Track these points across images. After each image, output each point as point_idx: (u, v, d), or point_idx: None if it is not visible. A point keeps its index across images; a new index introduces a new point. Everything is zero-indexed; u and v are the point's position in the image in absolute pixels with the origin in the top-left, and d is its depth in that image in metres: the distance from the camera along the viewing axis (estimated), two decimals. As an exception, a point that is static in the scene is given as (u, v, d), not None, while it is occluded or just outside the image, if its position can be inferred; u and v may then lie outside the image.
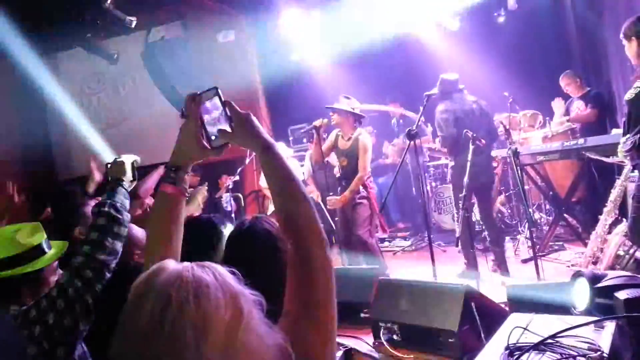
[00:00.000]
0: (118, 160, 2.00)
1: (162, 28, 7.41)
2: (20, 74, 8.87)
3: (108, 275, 1.73)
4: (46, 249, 1.75)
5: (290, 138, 8.03)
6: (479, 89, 6.48)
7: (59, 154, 9.18)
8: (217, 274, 0.81)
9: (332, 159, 6.42)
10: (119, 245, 1.79)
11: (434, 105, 4.66)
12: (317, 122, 4.77)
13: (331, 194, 5.04)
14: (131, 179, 2.00)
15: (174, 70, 6.41)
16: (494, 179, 5.19)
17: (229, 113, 1.19)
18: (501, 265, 4.65)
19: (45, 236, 1.78)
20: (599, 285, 1.95)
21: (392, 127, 7.44)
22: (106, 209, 1.81)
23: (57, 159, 9.20)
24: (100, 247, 1.73)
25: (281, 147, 5.06)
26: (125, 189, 1.93)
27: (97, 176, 3.20)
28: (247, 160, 7.03)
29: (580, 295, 2.04)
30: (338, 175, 5.16)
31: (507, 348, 1.77)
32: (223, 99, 1.20)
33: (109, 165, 2.02)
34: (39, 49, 8.68)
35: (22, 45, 7.61)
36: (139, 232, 2.27)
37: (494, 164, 5.35)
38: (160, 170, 3.09)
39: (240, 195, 7.60)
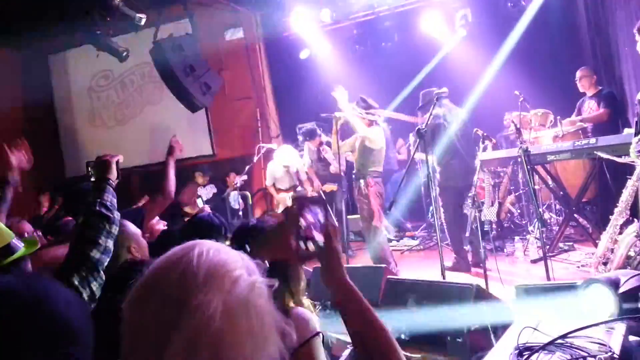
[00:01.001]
0: (102, 159, 1.99)
1: (171, 25, 7.42)
2: (29, 69, 8.98)
3: (102, 272, 1.73)
4: (18, 247, 1.75)
5: (299, 137, 8.02)
6: (489, 88, 6.46)
7: (67, 151, 9.24)
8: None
9: (329, 155, 6.46)
10: (111, 244, 1.78)
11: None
12: (337, 114, 4.96)
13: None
14: (116, 177, 1.99)
15: (182, 68, 6.40)
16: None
17: (325, 230, 1.16)
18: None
19: (13, 235, 1.78)
20: (623, 290, 1.90)
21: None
22: (97, 208, 1.80)
23: (66, 156, 9.26)
24: (94, 246, 1.73)
25: (287, 150, 5.09)
26: (113, 188, 1.93)
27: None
28: (255, 159, 7.04)
29: (600, 302, 1.97)
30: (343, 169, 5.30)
31: (516, 348, 1.74)
32: (325, 215, 1.17)
33: (90, 165, 2.02)
34: (49, 46, 8.76)
35: (31, 41, 7.67)
36: (132, 227, 2.27)
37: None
38: (172, 164, 3.13)
39: (247, 193, 7.61)
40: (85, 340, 0.83)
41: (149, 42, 6.57)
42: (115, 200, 1.89)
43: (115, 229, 1.81)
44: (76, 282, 1.63)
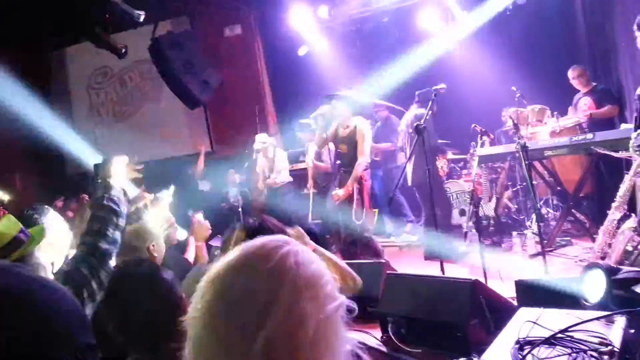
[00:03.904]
0: (107, 160, 2.09)
1: (169, 22, 7.42)
2: (27, 67, 8.94)
3: (111, 263, 1.81)
4: (24, 239, 1.78)
5: (297, 132, 8.03)
6: (487, 84, 6.48)
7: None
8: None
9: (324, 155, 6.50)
10: (118, 235, 1.87)
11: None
12: (318, 111, 5.05)
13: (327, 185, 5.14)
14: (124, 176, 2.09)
15: (180, 64, 6.40)
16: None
17: None
18: None
19: (20, 226, 1.81)
20: (617, 277, 1.94)
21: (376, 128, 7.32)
22: (105, 202, 1.90)
23: (66, 154, 9.25)
24: (103, 237, 1.81)
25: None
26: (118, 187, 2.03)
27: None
28: (254, 155, 7.05)
29: (595, 286, 2.03)
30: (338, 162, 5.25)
31: (517, 342, 1.77)
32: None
33: (97, 165, 2.10)
34: (47, 43, 8.74)
35: (29, 39, 7.65)
36: (154, 226, 2.32)
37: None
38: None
39: (247, 190, 7.62)
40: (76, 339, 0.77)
41: (147, 38, 6.57)
42: (121, 196, 1.99)
43: (122, 222, 1.91)
44: (86, 272, 1.70)
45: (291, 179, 6.87)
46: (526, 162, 3.84)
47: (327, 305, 0.77)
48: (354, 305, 0.83)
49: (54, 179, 8.29)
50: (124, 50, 6.54)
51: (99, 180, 2.03)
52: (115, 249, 1.85)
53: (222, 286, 0.78)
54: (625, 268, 2.02)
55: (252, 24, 8.09)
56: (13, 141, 8.34)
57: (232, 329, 0.74)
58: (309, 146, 6.99)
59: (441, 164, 5.89)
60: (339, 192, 4.88)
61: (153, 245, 2.23)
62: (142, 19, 5.90)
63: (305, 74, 7.82)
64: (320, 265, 0.82)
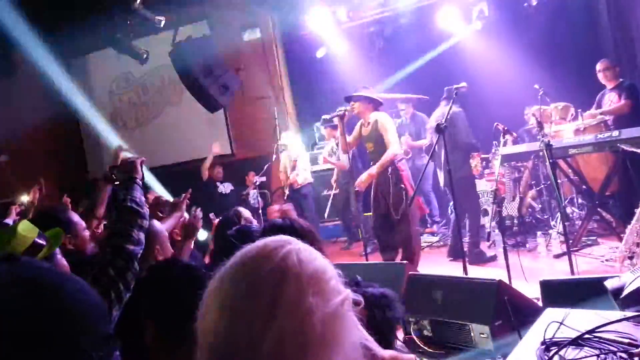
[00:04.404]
0: (129, 160, 2.14)
1: (189, 27, 7.51)
2: (51, 73, 9.14)
3: (136, 264, 1.82)
4: (43, 242, 1.81)
5: (316, 134, 8.05)
6: (508, 82, 6.40)
7: (90, 152, 9.40)
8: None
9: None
10: (142, 236, 1.89)
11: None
12: (340, 111, 4.94)
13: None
14: (142, 176, 2.12)
15: (200, 69, 6.48)
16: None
17: None
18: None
19: (37, 231, 1.84)
20: (624, 294, 1.88)
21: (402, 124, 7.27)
22: (128, 203, 1.92)
23: (88, 157, 9.43)
24: (128, 239, 1.83)
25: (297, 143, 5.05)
26: (140, 186, 2.05)
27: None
28: (274, 157, 7.09)
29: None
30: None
31: (543, 343, 1.73)
32: None
33: (115, 168, 2.16)
34: (70, 50, 8.92)
35: (52, 45, 7.81)
36: (158, 226, 2.35)
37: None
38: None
39: (267, 192, 7.66)
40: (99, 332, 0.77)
41: (168, 44, 6.67)
42: (143, 197, 2.02)
43: (145, 223, 1.93)
44: (112, 273, 1.71)
45: (312, 179, 6.89)
46: (550, 160, 3.78)
47: (332, 299, 0.78)
48: (361, 299, 0.84)
49: (76, 180, 8.45)
50: (145, 56, 6.66)
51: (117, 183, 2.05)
52: (140, 249, 1.86)
53: (226, 289, 0.79)
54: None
55: (270, 27, 8.13)
56: (37, 143, 8.56)
57: (240, 331, 0.75)
58: (328, 143, 7.02)
59: (475, 162, 5.77)
60: (362, 177, 4.82)
61: (158, 248, 2.26)
62: (162, 24, 5.99)
63: (324, 75, 7.83)
64: (323, 261, 0.83)
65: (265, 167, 6.95)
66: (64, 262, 1.91)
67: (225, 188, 7.63)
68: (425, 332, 2.78)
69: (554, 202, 5.87)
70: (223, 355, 0.76)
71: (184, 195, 3.02)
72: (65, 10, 6.39)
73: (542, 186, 6.02)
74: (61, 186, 7.62)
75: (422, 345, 2.70)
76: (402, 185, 4.69)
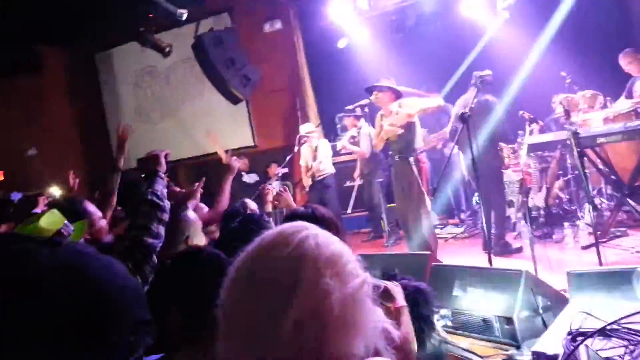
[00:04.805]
0: (152, 153, 2.13)
1: (211, 20, 7.54)
2: (77, 68, 9.33)
3: (154, 258, 1.82)
4: (66, 233, 1.83)
5: (338, 126, 8.02)
6: (536, 70, 6.25)
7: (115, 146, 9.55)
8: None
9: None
10: (162, 230, 1.89)
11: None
12: (364, 101, 5.04)
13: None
14: (165, 170, 2.12)
15: (222, 61, 6.52)
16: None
17: None
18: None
19: (64, 220, 1.86)
20: None
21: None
22: (149, 197, 1.93)
23: (114, 151, 9.58)
24: (147, 232, 1.83)
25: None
26: (163, 179, 2.05)
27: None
28: (296, 149, 7.09)
29: None
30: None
31: (569, 333, 1.71)
32: None
33: (141, 159, 2.14)
34: (94, 45, 9.08)
35: (78, 40, 7.95)
36: (192, 216, 2.36)
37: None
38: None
39: (289, 183, 7.68)
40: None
41: (189, 37, 6.71)
42: (165, 191, 2.02)
43: (166, 217, 1.92)
44: (130, 266, 1.72)
45: (334, 170, 6.88)
46: (578, 149, 3.69)
47: (350, 282, 0.79)
48: (379, 283, 0.85)
49: (102, 176, 8.60)
50: (168, 49, 6.73)
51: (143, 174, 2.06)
52: (160, 243, 1.86)
53: (246, 275, 0.81)
54: None
55: (291, 18, 8.10)
56: (64, 136, 8.75)
57: (260, 315, 0.76)
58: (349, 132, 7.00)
59: (507, 152, 5.65)
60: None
61: (188, 237, 2.27)
62: (184, 17, 6.03)
63: (346, 66, 7.78)
64: (340, 245, 0.84)
65: (288, 159, 6.95)
66: None
67: (251, 178, 7.69)
68: (449, 323, 2.75)
69: (582, 193, 5.74)
70: (244, 338, 0.77)
71: (197, 184, 3.04)
72: (90, 4, 6.49)
73: (570, 176, 5.89)
74: (89, 181, 7.80)
75: (445, 336, 2.68)
76: (421, 178, 4.67)
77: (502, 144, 5.51)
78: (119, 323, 0.73)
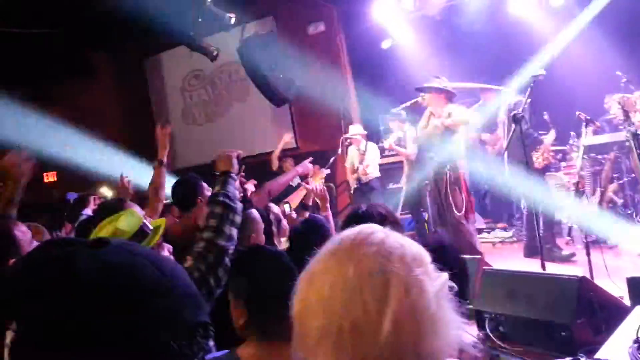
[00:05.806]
0: (224, 154, 2.10)
1: (256, 23, 7.66)
2: (126, 73, 9.66)
3: (227, 261, 1.79)
4: (148, 231, 1.86)
5: (382, 127, 7.97)
6: (588, 69, 6.03)
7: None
8: None
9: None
10: (235, 232, 1.85)
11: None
12: (411, 101, 4.95)
13: None
14: (237, 171, 2.09)
15: (266, 64, 6.61)
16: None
17: None
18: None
19: (142, 219, 1.89)
20: None
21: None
22: (221, 198, 1.89)
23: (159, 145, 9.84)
24: (220, 234, 1.80)
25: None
26: (235, 180, 2.02)
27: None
28: (339, 151, 7.09)
29: None
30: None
31: (635, 341, 1.64)
32: None
33: (214, 160, 2.14)
34: (144, 50, 9.38)
35: (128, 45, 8.22)
36: (255, 215, 2.38)
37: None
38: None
39: (332, 185, 7.68)
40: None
41: (235, 40, 6.82)
42: (237, 192, 1.97)
43: (238, 219, 1.88)
44: (203, 268, 1.70)
45: (379, 174, 6.84)
46: (637, 151, 3.53)
47: (436, 280, 0.78)
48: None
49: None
50: (215, 53, 6.86)
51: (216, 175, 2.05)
52: (232, 245, 1.82)
53: (333, 275, 0.78)
54: None
55: (334, 20, 8.12)
56: (118, 141, 9.05)
57: (356, 314, 0.74)
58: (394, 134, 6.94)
59: (537, 155, 5.50)
60: None
61: (253, 236, 2.29)
62: (232, 21, 6.14)
63: (390, 67, 7.73)
64: (417, 245, 0.83)
65: (331, 160, 6.96)
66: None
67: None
68: (501, 328, 2.68)
69: (638, 197, 5.51)
70: (339, 336, 0.74)
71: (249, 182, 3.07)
72: (140, 12, 6.69)
73: (625, 180, 5.65)
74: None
75: (498, 342, 2.61)
76: (460, 184, 4.59)
77: (538, 147, 5.37)
78: (164, 325, 0.68)
